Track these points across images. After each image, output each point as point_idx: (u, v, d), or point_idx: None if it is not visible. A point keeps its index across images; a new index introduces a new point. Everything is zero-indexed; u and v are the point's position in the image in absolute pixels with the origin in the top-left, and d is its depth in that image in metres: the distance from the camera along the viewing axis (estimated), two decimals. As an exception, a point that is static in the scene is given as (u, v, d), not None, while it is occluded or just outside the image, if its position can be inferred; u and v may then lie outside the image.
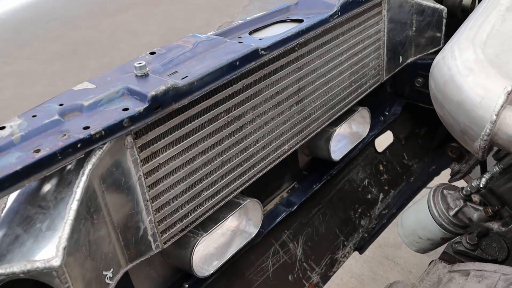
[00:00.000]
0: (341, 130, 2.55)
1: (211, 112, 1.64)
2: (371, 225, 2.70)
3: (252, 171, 1.89)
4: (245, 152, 1.83)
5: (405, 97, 2.97)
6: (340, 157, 2.43)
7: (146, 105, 1.41)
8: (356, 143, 2.54)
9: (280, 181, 2.38)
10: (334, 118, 2.26)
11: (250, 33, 1.88)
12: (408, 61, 2.70)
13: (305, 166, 2.52)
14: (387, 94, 2.95)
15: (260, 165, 1.91)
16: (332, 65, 2.13)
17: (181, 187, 1.63)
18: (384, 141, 2.97)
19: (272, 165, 1.98)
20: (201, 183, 1.70)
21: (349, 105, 2.35)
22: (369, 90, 2.47)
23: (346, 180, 2.66)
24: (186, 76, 1.52)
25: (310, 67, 2.00)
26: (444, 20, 2.66)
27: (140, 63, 1.53)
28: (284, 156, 2.03)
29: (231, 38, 1.79)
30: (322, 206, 2.52)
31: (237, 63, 1.64)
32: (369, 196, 2.74)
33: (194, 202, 1.70)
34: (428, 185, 3.03)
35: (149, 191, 1.54)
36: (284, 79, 1.89)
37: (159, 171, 1.56)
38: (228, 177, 1.80)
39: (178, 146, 1.58)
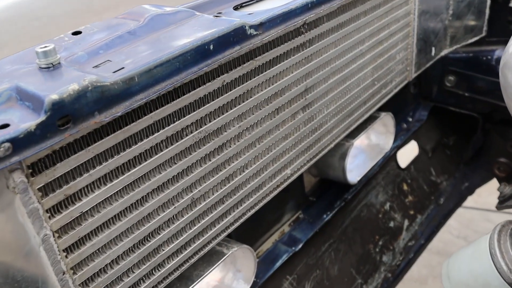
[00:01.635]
0: (359, 142, 1.90)
1: (170, 126, 0.99)
2: (395, 261, 2.04)
3: (239, 209, 1.24)
4: (228, 183, 1.18)
5: (432, 100, 2.32)
6: (359, 179, 1.78)
7: (43, 118, 0.76)
8: (377, 160, 1.89)
9: (280, 211, 1.73)
10: (352, 128, 1.61)
11: (235, 8, 1.22)
12: (442, 53, 2.05)
13: (312, 190, 1.87)
14: (410, 96, 2.30)
15: (250, 200, 1.27)
16: (351, 56, 1.48)
17: (123, 245, 0.99)
18: (406, 153, 2.32)
19: (268, 198, 1.34)
20: (158, 235, 1.06)
21: (371, 111, 1.70)
22: (394, 91, 1.81)
23: (363, 205, 2.01)
24: (122, 68, 0.87)
25: (321, 58, 1.35)
26: (489, 1, 2.02)
27: (45, 47, 0.88)
28: (286, 184, 1.38)
29: (204, 13, 1.14)
30: (334, 240, 1.87)
31: (211, 47, 0.98)
32: (391, 224, 2.08)
33: (147, 264, 1.05)
34: (463, 205, 2.38)
35: (66, 257, 0.90)
36: (285, 74, 1.24)
37: (83, 224, 0.91)
38: (203, 221, 1.15)
39: (113, 183, 0.93)
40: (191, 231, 1.13)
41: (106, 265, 0.97)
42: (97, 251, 0.95)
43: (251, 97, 1.16)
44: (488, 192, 2.48)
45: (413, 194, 2.21)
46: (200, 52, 0.96)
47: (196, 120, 1.05)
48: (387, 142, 1.92)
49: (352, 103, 1.55)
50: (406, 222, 2.13)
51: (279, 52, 1.20)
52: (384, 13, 1.60)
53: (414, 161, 2.27)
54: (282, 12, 1.13)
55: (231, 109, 1.12)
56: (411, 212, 2.17)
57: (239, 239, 1.54)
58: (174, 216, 1.08)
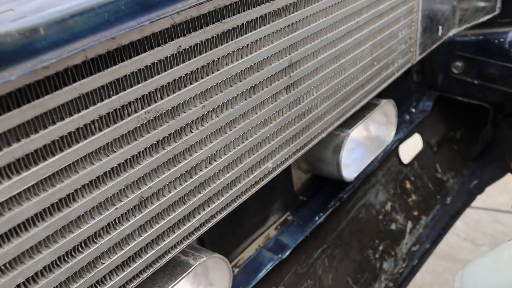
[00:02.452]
0: (356, 133, 1.65)
1: (105, 102, 0.74)
2: (397, 269, 1.79)
3: (206, 211, 0.99)
4: (190, 178, 0.93)
5: (437, 89, 2.07)
6: (356, 175, 1.53)
7: None
8: (377, 154, 1.64)
9: (264, 212, 1.48)
10: (347, 115, 1.35)
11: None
12: (450, 34, 1.80)
13: (303, 187, 1.61)
14: (413, 84, 2.04)
15: (221, 200, 1.01)
16: (345, 28, 1.22)
17: (42, 259, 0.73)
18: (409, 147, 2.06)
19: (244, 197, 1.09)
20: (94, 244, 0.81)
21: (370, 96, 1.44)
22: (397, 74, 1.56)
23: (361, 206, 1.76)
24: (24, 17, 0.63)
25: (310, 27, 1.09)
26: (503, -27, 1.77)
27: None
28: (266, 180, 1.13)
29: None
30: (328, 245, 1.61)
31: (158, -5, 0.74)
32: (393, 227, 1.83)
33: (80, 282, 0.80)
34: (472, 205, 2.13)
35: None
36: (264, 44, 0.98)
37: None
38: (157, 226, 0.90)
39: (22, 176, 0.68)
40: (141, 238, 0.87)
41: (19, 286, 0.72)
42: (4, 267, 0.70)
43: (218, 70, 0.90)
44: (497, 191, 2.23)
45: (417, 193, 1.95)
46: (139, 1, 0.71)
47: (143, 96, 0.79)
48: (388, 134, 1.66)
49: (347, 86, 1.29)
50: (409, 224, 1.87)
51: (255, 15, 0.94)
52: (385, -18, 1.35)
53: (418, 156, 2.01)
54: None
55: (191, 83, 0.86)
56: (415, 213, 1.91)
57: (214, 246, 1.29)
58: (117, 220, 0.83)
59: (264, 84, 1.01)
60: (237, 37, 0.92)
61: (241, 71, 0.95)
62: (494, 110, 2.04)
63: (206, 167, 0.95)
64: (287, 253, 1.43)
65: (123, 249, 0.85)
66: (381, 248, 1.76)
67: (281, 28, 1.02)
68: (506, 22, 1.91)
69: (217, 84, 0.91)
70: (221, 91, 0.92)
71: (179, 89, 0.85)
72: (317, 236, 1.57)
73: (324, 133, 1.26)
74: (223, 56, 0.90)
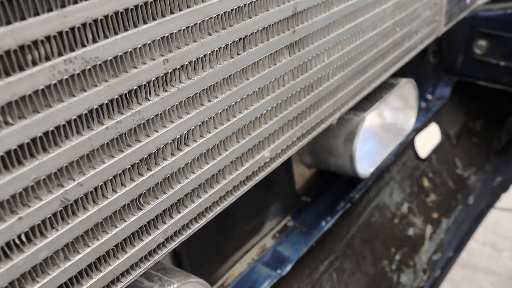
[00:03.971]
0: (368, 120, 1.33)
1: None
2: (417, 282, 1.46)
3: (174, 220, 0.66)
4: (147, 171, 0.61)
5: (456, 73, 1.75)
6: (371, 170, 1.20)
7: None
8: (394, 145, 1.31)
9: (259, 216, 1.15)
10: (365, 92, 1.03)
11: None
12: (479, 2, 1.49)
13: (306, 186, 1.28)
14: (429, 67, 1.72)
15: (196, 204, 0.69)
16: (365, -26, 0.91)
17: None
18: (426, 139, 1.74)
19: (232, 198, 0.76)
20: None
21: (390, 71, 1.12)
22: (420, 47, 1.24)
23: (374, 208, 1.43)
24: None
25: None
26: None
27: None
28: (262, 175, 0.80)
29: None
30: (337, 256, 1.29)
31: None
32: (410, 232, 1.50)
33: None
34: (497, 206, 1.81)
35: None
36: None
37: None
38: (97, 243, 0.58)
39: None
40: (69, 263, 0.55)
41: None
42: None
43: (189, 7, 0.58)
44: (515, 189, 1.91)
45: (436, 192, 1.63)
46: None
47: (59, 34, 0.47)
48: (407, 122, 1.34)
49: (365, 54, 0.97)
50: (429, 229, 1.55)
51: None
52: None
53: (436, 150, 1.69)
54: None
55: (145, 22, 0.54)
56: (435, 216, 1.59)
57: (193, 263, 0.96)
58: (22, 237, 0.50)
59: (258, 37, 0.69)
60: (217, -41, 0.59)
61: (224, 13, 0.62)
62: (522, 97, 1.73)
63: (172, 154, 0.62)
64: (288, 268, 1.11)
65: (50, 273, 0.52)
66: (398, 257, 1.43)
67: (282, -42, 0.69)
68: (539, -8, 1.60)
69: (188, 28, 0.58)
70: (195, 41, 0.60)
71: (125, 30, 0.52)
72: (324, 245, 1.25)
73: (337, 113, 0.93)
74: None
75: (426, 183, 1.61)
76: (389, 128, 1.35)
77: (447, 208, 1.63)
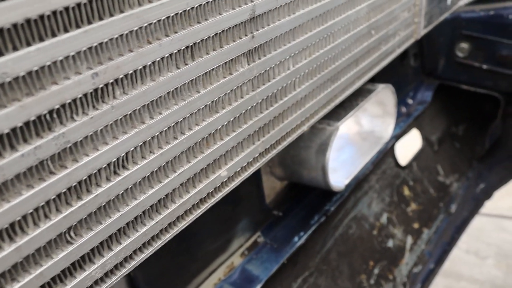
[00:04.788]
0: (345, 128, 1.26)
1: None
2: (396, 297, 1.40)
3: (113, 252, 0.59)
4: (78, 200, 0.53)
5: (438, 76, 1.69)
6: (347, 182, 1.14)
7: None
8: (372, 154, 1.24)
9: (226, 233, 1.07)
10: (337, 101, 0.96)
11: None
12: (460, 3, 1.43)
13: (277, 200, 1.21)
14: (410, 70, 1.66)
15: (143, 230, 0.61)
16: (334, -26, 0.83)
17: None
18: (406, 146, 1.68)
19: (184, 223, 0.68)
20: None
21: (365, 77, 1.05)
22: (398, 51, 1.17)
23: (351, 219, 1.36)
24: None
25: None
26: None
27: None
28: (219, 196, 0.73)
29: None
30: (311, 273, 1.22)
31: None
32: (390, 244, 1.44)
33: None
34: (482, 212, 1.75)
35: None
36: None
37: None
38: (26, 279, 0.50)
39: None
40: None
41: None
42: None
43: (112, 16, 0.50)
44: (500, 194, 1.86)
45: (417, 201, 1.56)
46: None
47: None
48: (386, 129, 1.28)
49: (337, 59, 0.89)
50: (409, 240, 1.48)
51: None
52: None
53: (417, 157, 1.63)
54: None
55: (54, 35, 0.46)
56: (416, 226, 1.52)
57: (151, 287, 0.89)
58: None
59: (210, 44, 0.61)
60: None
61: (167, 18, 0.55)
62: (505, 101, 1.67)
63: (108, 179, 0.55)
64: (257, 287, 1.03)
65: None
66: (376, 271, 1.37)
67: (236, -44, 0.62)
68: (522, -7, 1.54)
69: (122, 36, 0.51)
70: (131, 50, 0.52)
71: (40, 40, 0.45)
72: (297, 261, 1.18)
73: (305, 125, 0.86)
74: (129, -13, 0.50)
75: (406, 191, 1.55)
76: (367, 136, 1.29)
77: (429, 217, 1.57)
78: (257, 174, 1.07)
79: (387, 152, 1.49)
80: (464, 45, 1.59)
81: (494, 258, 2.06)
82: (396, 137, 1.51)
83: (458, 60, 1.62)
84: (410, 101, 1.65)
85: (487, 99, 1.69)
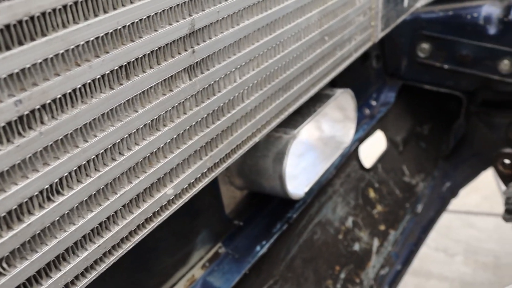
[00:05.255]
0: (304, 134, 1.25)
1: None
2: (363, 300, 1.40)
3: (58, 277, 0.57)
4: (22, 233, 0.51)
5: (401, 76, 1.70)
6: (307, 190, 1.13)
7: None
8: (333, 159, 1.24)
9: (186, 246, 1.05)
10: (290, 110, 0.95)
11: None
12: (418, 5, 1.43)
13: (237, 209, 1.19)
14: (372, 72, 1.66)
15: (82, 257, 0.60)
16: (280, -17, 0.83)
17: None
18: (371, 148, 1.68)
19: (127, 246, 0.67)
20: None
21: (320, 84, 1.04)
22: (354, 55, 1.17)
23: (315, 225, 1.36)
24: None
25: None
26: None
27: None
28: (166, 214, 0.72)
29: None
30: (275, 281, 1.21)
31: None
32: (356, 247, 1.44)
33: None
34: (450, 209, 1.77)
35: None
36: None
37: None
38: None
39: None
40: None
41: None
42: None
43: (34, 40, 0.49)
44: (467, 191, 1.88)
45: (382, 203, 1.57)
46: None
47: None
48: (346, 134, 1.27)
49: (288, 68, 0.89)
50: (375, 243, 1.48)
51: None
52: None
53: (382, 158, 1.63)
54: None
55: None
56: (382, 228, 1.53)
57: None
58: None
59: (146, 62, 0.60)
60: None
61: (96, 38, 0.53)
62: (467, 100, 1.68)
63: (41, 207, 0.53)
64: (219, 300, 1.03)
65: None
66: (343, 276, 1.36)
67: (171, -29, 0.60)
68: (479, -6, 1.56)
69: (46, 60, 0.49)
70: (58, 74, 0.51)
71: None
72: (260, 271, 1.17)
73: (257, 136, 0.85)
74: (52, 10, 0.48)
75: (372, 194, 1.55)
76: (328, 141, 1.29)
77: (395, 218, 1.57)
78: (214, 185, 1.06)
79: (351, 155, 1.49)
80: (425, 46, 1.60)
81: (462, 255, 2.08)
82: (360, 139, 1.51)
83: (420, 61, 1.63)
84: (373, 103, 1.65)
85: (450, 98, 1.71)
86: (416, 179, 1.71)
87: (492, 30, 1.50)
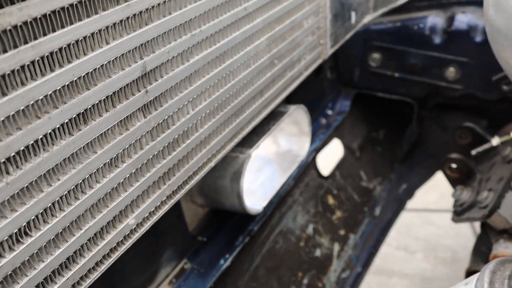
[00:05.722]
0: (262, 150, 1.31)
1: None
2: (326, 304, 1.47)
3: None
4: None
5: (354, 85, 1.77)
6: (265, 204, 1.20)
7: None
8: (291, 172, 1.31)
9: (152, 265, 1.11)
10: (243, 133, 1.01)
11: None
12: (365, 20, 1.51)
13: (200, 226, 1.24)
14: (327, 83, 1.73)
15: (50, 290, 0.65)
16: (229, 17, 0.88)
17: None
18: (328, 156, 1.75)
19: (95, 275, 0.72)
20: None
21: (272, 105, 1.11)
22: (305, 74, 1.23)
23: (277, 235, 1.42)
24: None
25: (172, 16, 0.75)
26: None
27: None
28: (130, 242, 0.77)
29: None
30: (241, 291, 1.27)
31: None
32: (317, 253, 1.51)
33: None
34: (406, 207, 1.85)
35: None
36: (95, 45, 0.63)
37: None
38: None
39: None
40: None
41: None
42: None
43: (14, 90, 0.54)
44: (425, 189, 1.97)
45: (341, 208, 1.64)
46: None
47: None
48: (302, 147, 1.34)
49: (239, 95, 0.95)
50: (336, 247, 1.56)
51: (62, 3, 0.58)
52: (279, -43, 1.02)
53: (339, 166, 1.70)
54: None
55: None
56: (342, 233, 1.60)
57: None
58: None
59: (102, 107, 0.65)
60: (35, 37, 0.55)
61: (53, 92, 0.58)
62: (418, 105, 1.77)
63: (11, 249, 0.58)
64: (186, 314, 1.08)
65: None
66: (305, 281, 1.43)
67: (122, 21, 0.66)
68: (424, 5, 1.64)
69: (8, 118, 0.54)
70: (19, 128, 0.55)
71: None
72: (225, 283, 1.23)
73: (212, 161, 0.91)
74: (11, 72, 0.53)
75: (331, 200, 1.62)
76: (285, 155, 1.35)
77: (354, 223, 1.65)
78: (177, 205, 1.11)
79: (309, 165, 1.56)
80: (376, 56, 1.68)
81: (422, 252, 2.18)
82: (317, 149, 1.58)
83: (372, 70, 1.71)
84: (329, 112, 1.72)
85: (403, 104, 1.79)
86: (373, 183, 1.79)
87: (437, 39, 1.59)
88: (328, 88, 1.73)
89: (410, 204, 1.90)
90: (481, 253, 1.33)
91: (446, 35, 1.58)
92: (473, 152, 1.44)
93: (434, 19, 1.60)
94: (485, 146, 1.43)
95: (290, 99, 1.43)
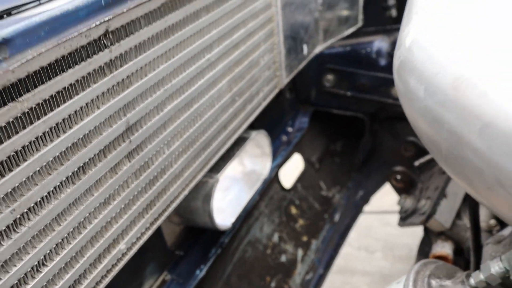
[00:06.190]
0: (230, 172, 1.49)
1: None
2: (293, 304, 1.65)
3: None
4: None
5: (312, 103, 1.96)
6: (233, 220, 1.37)
7: None
8: (256, 189, 1.49)
9: (136, 279, 1.27)
10: (211, 163, 1.19)
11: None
12: (316, 51, 1.69)
13: (177, 242, 1.41)
14: (286, 103, 1.91)
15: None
16: (194, 69, 1.05)
17: None
18: (290, 170, 1.94)
19: (95, 292, 0.89)
20: None
21: (235, 135, 1.28)
22: (264, 103, 1.42)
23: (246, 244, 1.60)
24: None
25: (147, 78, 0.92)
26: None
27: None
28: (121, 264, 0.94)
29: None
30: (216, 297, 1.45)
31: None
32: (283, 259, 1.69)
33: None
34: (366, 210, 2.05)
35: None
36: (88, 112, 0.79)
37: None
38: None
39: None
40: None
41: None
42: None
43: (25, 161, 0.70)
44: (382, 192, 2.16)
45: (304, 217, 1.83)
46: None
47: None
48: (264, 166, 1.52)
49: (206, 132, 1.12)
50: (300, 253, 1.74)
51: (67, 82, 0.75)
52: (237, 7, 1.19)
53: (301, 178, 1.89)
54: (50, 18, 0.68)
55: (-13, 186, 0.66)
56: (304, 239, 1.79)
57: None
58: None
59: (96, 159, 0.82)
60: (45, 114, 0.72)
61: (60, 153, 0.75)
62: (369, 120, 1.96)
63: (33, 277, 0.74)
64: (169, 320, 1.25)
65: None
66: (273, 285, 1.61)
67: (108, 89, 0.83)
68: (370, 31, 1.83)
69: (29, 178, 0.70)
70: (36, 184, 0.72)
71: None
72: (202, 290, 1.40)
73: (186, 190, 1.08)
74: (29, 143, 0.70)
75: (294, 210, 1.80)
76: (250, 174, 1.52)
77: (315, 229, 1.84)
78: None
79: (273, 179, 1.74)
80: (330, 77, 1.86)
81: (381, 251, 2.39)
82: (279, 165, 1.76)
83: (327, 90, 1.89)
84: (290, 129, 1.91)
85: (356, 119, 1.98)
86: (332, 192, 1.98)
87: (383, 62, 1.78)
88: (287, 107, 1.91)
89: (370, 207, 2.09)
90: (424, 252, 1.53)
91: (390, 58, 1.77)
92: (416, 163, 1.64)
93: (380, 43, 1.79)
94: (426, 158, 1.63)
95: (253, 122, 1.60)
